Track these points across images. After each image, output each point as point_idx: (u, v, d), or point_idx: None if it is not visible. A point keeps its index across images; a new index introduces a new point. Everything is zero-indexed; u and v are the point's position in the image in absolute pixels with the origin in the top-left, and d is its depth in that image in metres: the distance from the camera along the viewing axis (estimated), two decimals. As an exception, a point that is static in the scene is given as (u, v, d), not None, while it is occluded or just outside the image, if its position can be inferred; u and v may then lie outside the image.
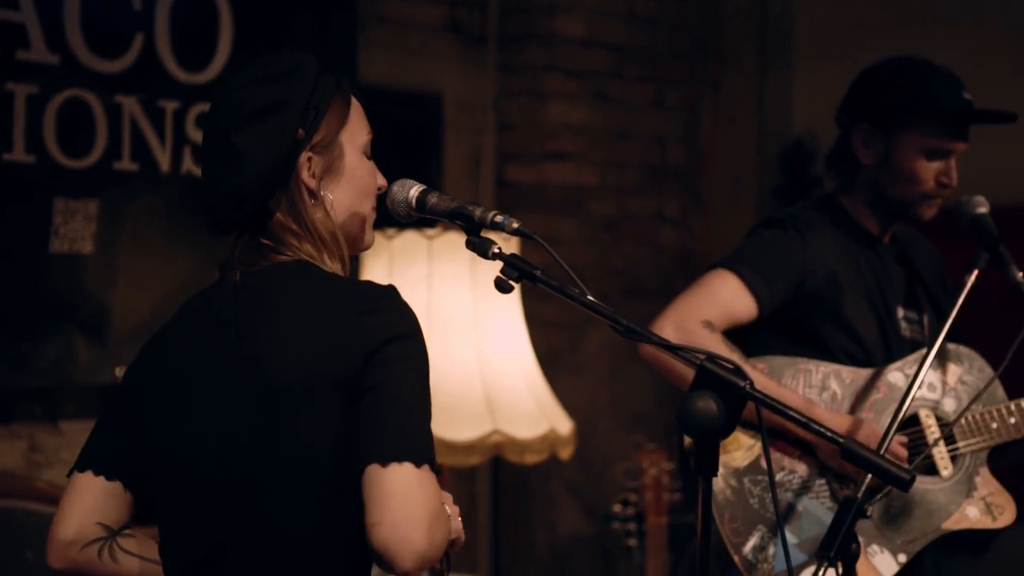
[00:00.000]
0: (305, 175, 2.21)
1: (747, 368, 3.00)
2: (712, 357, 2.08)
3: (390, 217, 2.37)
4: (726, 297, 3.11)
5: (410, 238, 4.02)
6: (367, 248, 2.35)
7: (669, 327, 3.07)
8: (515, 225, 2.22)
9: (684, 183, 5.86)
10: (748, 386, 2.05)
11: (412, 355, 2.12)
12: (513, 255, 2.23)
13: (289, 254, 2.21)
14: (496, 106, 5.44)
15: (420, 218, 2.32)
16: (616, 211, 5.61)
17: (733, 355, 3.02)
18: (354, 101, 2.30)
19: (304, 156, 2.21)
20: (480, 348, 4.02)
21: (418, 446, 2.05)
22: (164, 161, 4.29)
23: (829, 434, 2.04)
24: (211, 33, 4.40)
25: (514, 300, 4.11)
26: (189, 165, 4.33)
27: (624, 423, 5.52)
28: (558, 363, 5.15)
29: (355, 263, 2.46)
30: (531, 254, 2.59)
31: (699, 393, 2.06)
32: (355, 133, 2.27)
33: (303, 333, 2.13)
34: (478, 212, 2.24)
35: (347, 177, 2.26)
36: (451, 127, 5.29)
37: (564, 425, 4.09)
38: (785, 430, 3.04)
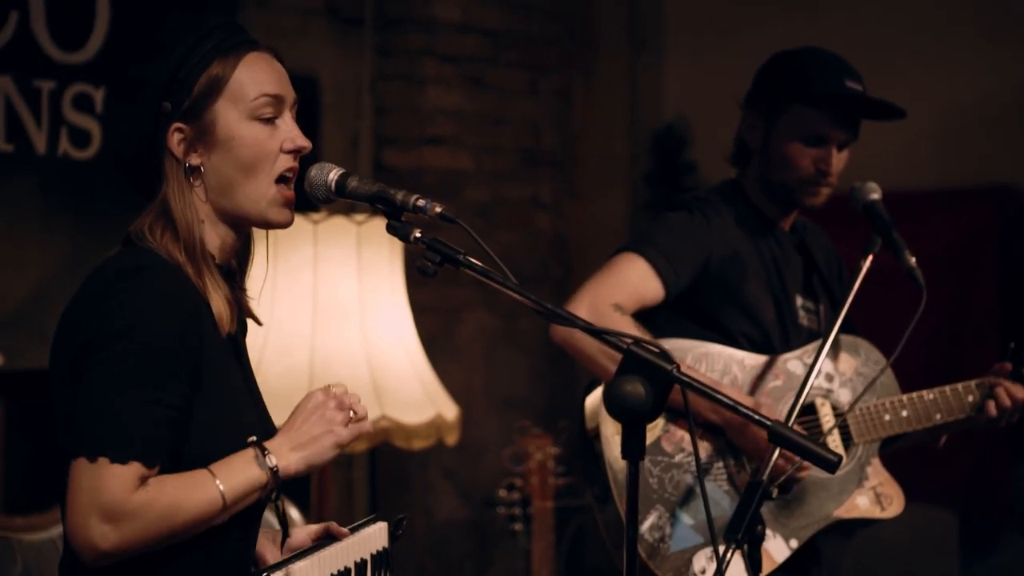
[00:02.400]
0: (174, 146, 2.21)
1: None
2: (639, 341, 2.09)
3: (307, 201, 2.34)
4: (635, 280, 3.12)
5: (295, 222, 3.97)
6: (280, 224, 2.29)
7: (582, 311, 3.06)
8: (438, 209, 2.21)
9: (558, 169, 5.89)
10: (675, 370, 2.07)
11: (113, 347, 2.10)
12: (435, 239, 2.22)
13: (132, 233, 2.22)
14: (373, 90, 5.41)
15: (339, 202, 2.30)
16: (491, 196, 5.61)
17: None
18: (249, 60, 2.23)
19: (172, 128, 2.20)
20: (366, 333, 3.99)
21: (94, 439, 2.06)
22: (40, 142, 4.19)
23: (757, 417, 2.07)
24: (88, 13, 4.30)
25: (399, 285, 4.09)
26: (66, 146, 4.23)
27: (499, 408, 5.53)
28: (434, 348, 5.14)
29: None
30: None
31: (627, 377, 2.07)
32: (238, 97, 2.21)
33: (63, 317, 2.18)
34: (399, 196, 2.23)
35: (223, 146, 2.21)
36: (328, 111, 5.25)
37: (450, 410, 4.09)
38: (689, 415, 3.07)
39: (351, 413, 2.15)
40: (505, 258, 5.84)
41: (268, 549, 2.39)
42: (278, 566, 2.17)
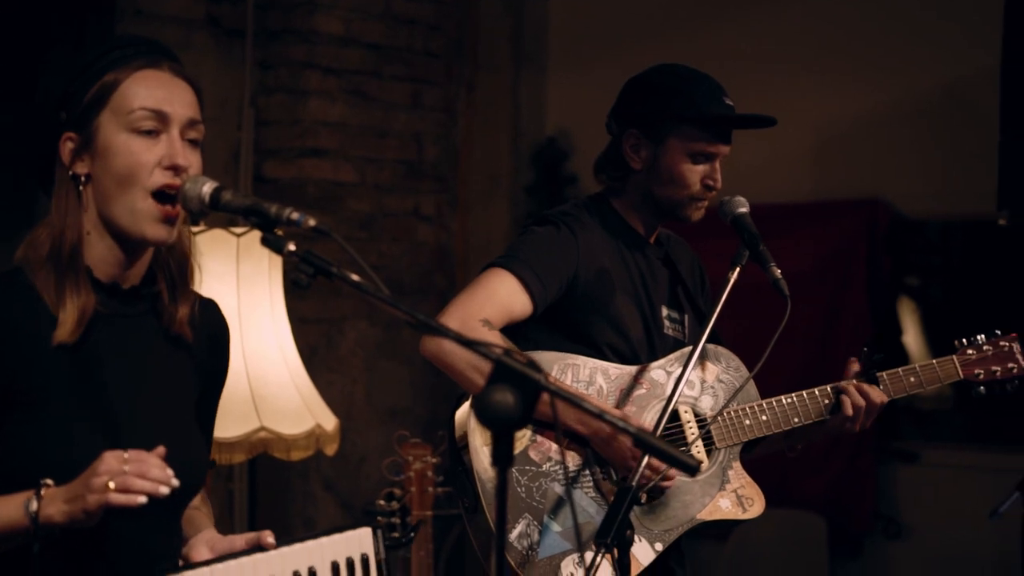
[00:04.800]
0: (64, 154, 2.27)
1: None
2: (509, 352, 2.14)
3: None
4: (503, 295, 3.16)
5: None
6: (157, 240, 2.32)
7: (452, 326, 3.10)
8: (311, 223, 2.23)
9: (440, 181, 5.93)
10: (544, 379, 2.11)
11: None
12: (309, 252, 2.24)
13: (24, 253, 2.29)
14: (254, 102, 5.41)
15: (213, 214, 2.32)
16: (373, 208, 5.64)
17: None
18: (142, 75, 2.28)
19: (64, 136, 2.27)
20: (245, 345, 3.99)
21: None
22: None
23: (622, 425, 2.12)
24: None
25: (278, 297, 4.10)
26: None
27: (381, 419, 5.56)
28: (315, 360, 5.15)
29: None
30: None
31: (496, 386, 2.11)
32: (120, 109, 2.26)
33: None
34: (273, 209, 2.24)
35: (102, 155, 2.27)
36: (208, 123, 5.17)
37: (329, 421, 4.10)
38: (557, 423, 3.12)
39: (108, 484, 2.09)
40: (388, 269, 5.91)
41: (198, 550, 2.40)
42: (197, 565, 2.21)
